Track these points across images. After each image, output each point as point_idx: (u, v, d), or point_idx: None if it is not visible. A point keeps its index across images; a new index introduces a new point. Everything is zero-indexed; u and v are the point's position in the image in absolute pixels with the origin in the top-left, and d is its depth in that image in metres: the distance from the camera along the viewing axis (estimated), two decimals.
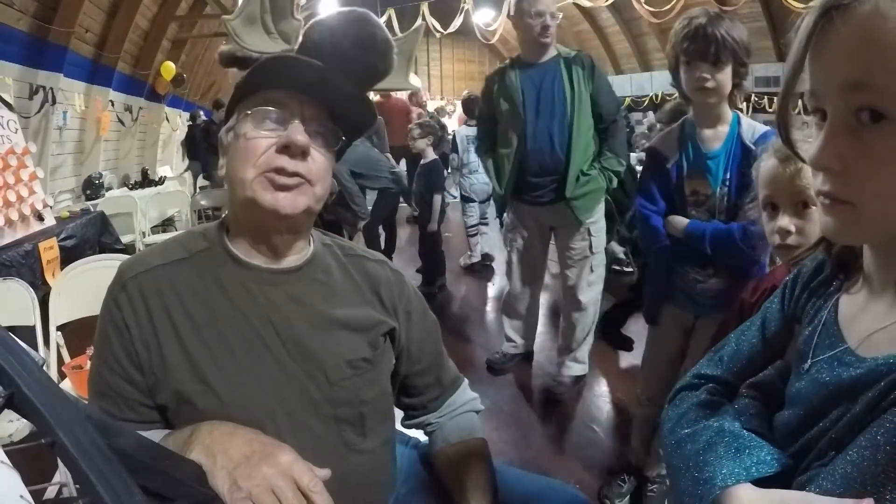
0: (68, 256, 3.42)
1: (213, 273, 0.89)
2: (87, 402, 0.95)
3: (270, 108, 0.86)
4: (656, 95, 12.59)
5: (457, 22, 10.69)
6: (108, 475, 0.40)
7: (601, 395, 2.93)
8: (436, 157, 4.47)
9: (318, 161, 0.88)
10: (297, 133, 0.84)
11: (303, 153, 0.85)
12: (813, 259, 0.73)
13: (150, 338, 0.86)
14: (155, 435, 0.80)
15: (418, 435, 1.20)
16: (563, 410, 2.77)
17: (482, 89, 2.83)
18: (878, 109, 0.50)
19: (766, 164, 1.16)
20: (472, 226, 5.16)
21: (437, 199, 4.38)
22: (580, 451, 2.44)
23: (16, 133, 3.69)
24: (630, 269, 4.80)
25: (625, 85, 13.81)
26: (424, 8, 10.70)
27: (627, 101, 13.42)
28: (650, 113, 11.85)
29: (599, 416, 2.72)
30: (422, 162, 4.46)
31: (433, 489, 1.09)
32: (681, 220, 1.66)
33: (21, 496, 0.35)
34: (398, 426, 1.12)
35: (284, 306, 0.90)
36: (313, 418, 0.89)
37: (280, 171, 0.85)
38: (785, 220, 1.12)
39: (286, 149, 0.85)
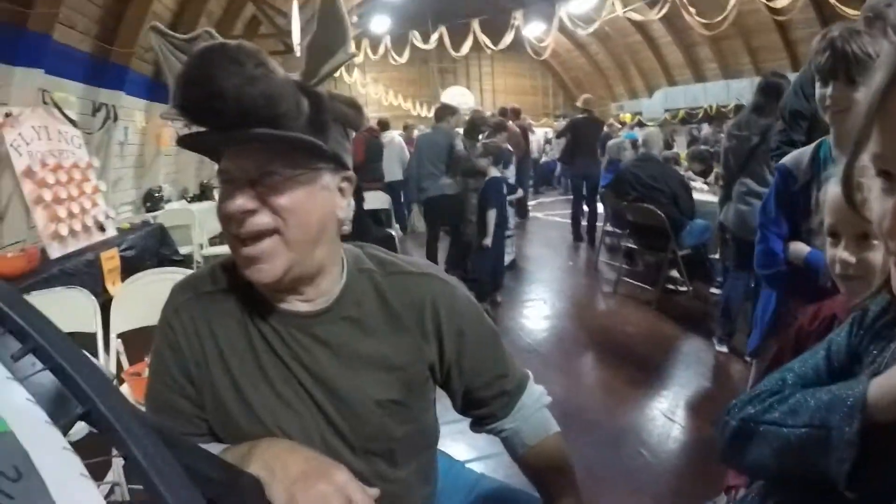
0: (128, 266, 3.55)
1: (249, 307, 0.90)
2: (152, 415, 0.98)
3: (221, 172, 0.82)
4: (710, 107, 12.27)
5: (507, 38, 10.74)
6: (177, 488, 0.40)
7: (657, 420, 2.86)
8: (497, 174, 4.58)
9: (281, 197, 0.79)
10: (231, 203, 0.78)
11: (248, 211, 0.79)
12: (879, 301, 0.72)
13: (200, 359, 0.90)
14: (213, 448, 0.82)
15: (454, 449, 1.19)
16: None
17: (801, 79, 2.48)
18: None
19: (831, 193, 1.10)
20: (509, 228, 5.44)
21: (492, 214, 4.44)
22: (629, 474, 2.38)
23: (79, 148, 3.87)
24: (685, 289, 4.73)
25: (678, 97, 13.54)
26: (475, 25, 10.78)
27: (681, 113, 13.15)
28: (704, 125, 11.55)
29: (650, 440, 2.65)
30: (485, 179, 4.58)
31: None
32: (802, 248, 1.56)
33: (81, 474, 0.36)
34: (446, 443, 1.10)
35: (312, 348, 0.90)
36: (344, 449, 0.91)
37: (241, 240, 0.81)
38: (846, 253, 1.07)
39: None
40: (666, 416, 2.84)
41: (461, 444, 2.39)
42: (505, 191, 5.01)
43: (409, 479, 0.98)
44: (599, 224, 6.56)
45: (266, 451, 0.77)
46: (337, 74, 13.17)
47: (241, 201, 0.78)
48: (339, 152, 0.86)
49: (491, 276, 4.65)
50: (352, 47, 0.80)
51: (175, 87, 0.74)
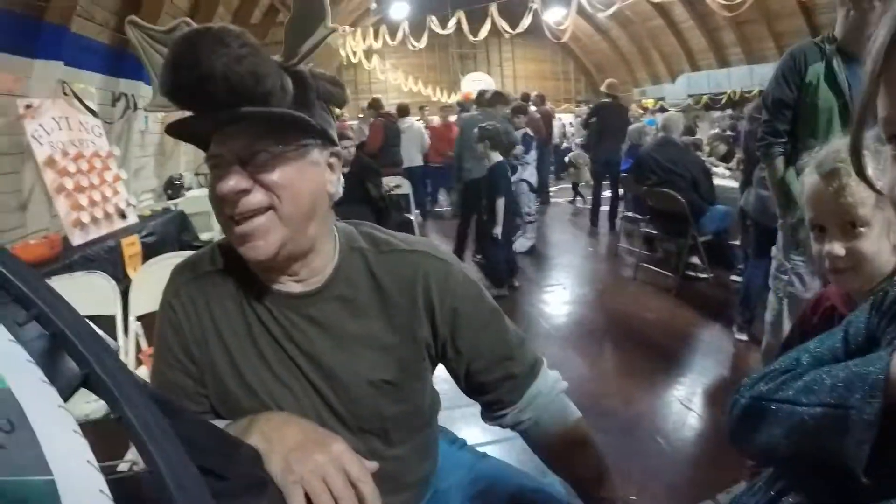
0: (150, 252, 3.59)
1: (245, 288, 0.92)
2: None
3: (211, 156, 0.83)
4: (734, 92, 12.02)
5: (525, 22, 10.63)
6: (168, 450, 0.42)
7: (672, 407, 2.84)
8: (501, 159, 4.49)
9: (273, 173, 0.81)
10: (224, 184, 0.79)
11: (242, 191, 0.80)
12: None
13: (200, 339, 0.92)
14: (216, 424, 0.83)
15: (468, 433, 1.18)
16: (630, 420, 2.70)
17: (783, 68, 2.39)
18: None
19: (808, 182, 1.05)
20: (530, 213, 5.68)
21: (500, 203, 4.38)
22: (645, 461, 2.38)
23: (100, 137, 3.93)
24: (705, 276, 4.67)
25: (701, 82, 13.27)
26: (493, 9, 10.69)
27: (704, 99, 12.90)
28: (728, 111, 11.33)
29: (666, 427, 2.63)
30: (487, 165, 4.51)
31: (475, 484, 1.10)
32: None
33: (88, 461, 0.36)
34: (452, 425, 1.10)
35: (306, 328, 0.91)
36: (340, 427, 0.92)
37: (234, 220, 0.82)
38: (834, 246, 1.01)
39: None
40: (683, 403, 2.82)
41: (474, 428, 2.40)
42: (519, 175, 5.01)
43: (406, 457, 0.98)
44: (621, 210, 6.52)
45: (265, 424, 0.78)
46: (356, 60, 13.27)
47: (234, 181, 0.79)
48: (325, 128, 0.87)
49: (505, 262, 4.63)
50: (330, 21, 0.80)
51: (163, 73, 0.75)
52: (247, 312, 0.92)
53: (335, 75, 0.92)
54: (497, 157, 4.46)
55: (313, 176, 0.86)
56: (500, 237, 4.44)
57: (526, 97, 8.13)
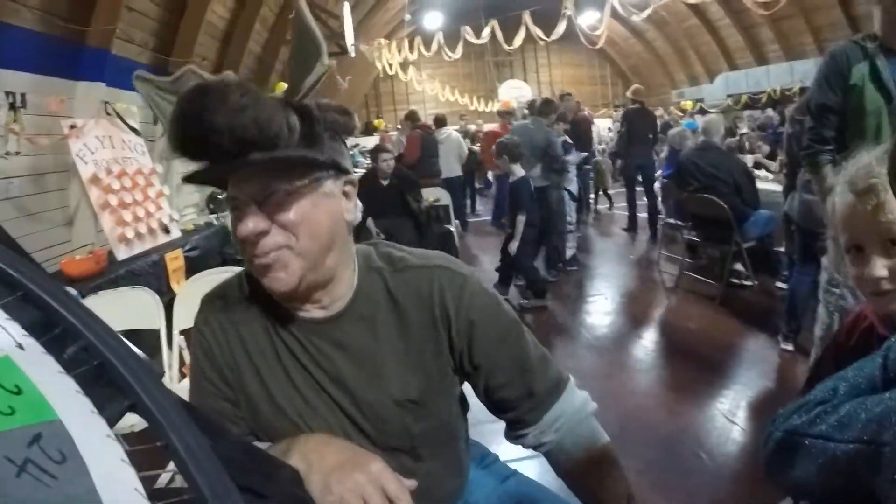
0: (192, 266, 3.69)
1: (272, 315, 0.95)
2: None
3: (231, 202, 0.86)
4: (774, 91, 11.72)
5: (559, 29, 10.59)
6: (211, 476, 0.43)
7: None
8: (523, 174, 4.47)
9: (288, 212, 0.83)
10: (243, 228, 0.82)
11: (261, 232, 0.82)
12: None
13: (232, 364, 0.96)
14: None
15: (501, 449, 1.16)
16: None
17: (825, 71, 2.30)
18: None
19: (841, 202, 0.97)
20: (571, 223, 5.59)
21: (521, 219, 4.35)
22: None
23: (143, 155, 4.05)
24: (749, 284, 4.55)
25: (740, 81, 13.00)
26: (527, 17, 10.68)
27: (744, 98, 12.62)
28: (769, 110, 11.04)
29: (708, 442, 2.56)
30: (510, 180, 4.52)
31: (502, 501, 1.09)
32: None
33: (135, 489, 0.38)
34: (484, 440, 1.10)
35: (330, 352, 0.93)
36: (368, 445, 0.93)
37: (256, 256, 0.84)
38: (877, 267, 0.93)
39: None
40: (726, 416, 2.75)
41: (506, 444, 2.38)
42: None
43: (435, 472, 0.99)
44: (661, 216, 6.41)
45: (304, 445, 0.81)
46: (392, 72, 13.41)
47: (252, 224, 0.82)
48: (336, 159, 0.88)
49: (534, 275, 4.61)
50: (326, 59, 0.82)
51: (171, 130, 0.79)
52: (274, 338, 0.95)
53: (342, 105, 0.94)
54: (520, 171, 4.44)
55: (328, 207, 0.87)
56: (513, 253, 4.41)
57: (562, 97, 7.96)
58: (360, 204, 0.94)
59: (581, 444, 1.01)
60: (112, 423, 0.43)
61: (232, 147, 0.76)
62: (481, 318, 0.95)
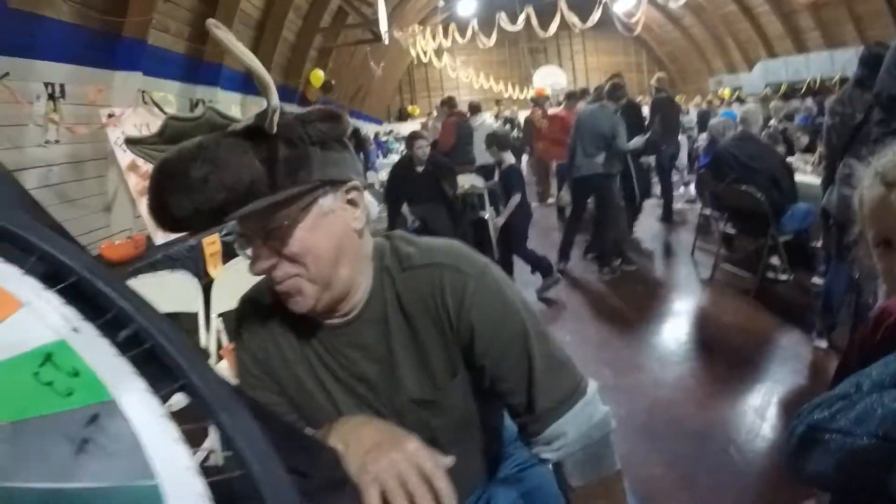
0: (229, 250, 3.76)
1: (299, 320, 0.97)
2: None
3: (239, 238, 0.88)
4: (815, 80, 11.36)
5: (595, 16, 10.42)
6: (260, 453, 0.44)
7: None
8: (513, 161, 4.70)
9: (291, 245, 0.84)
10: (254, 267, 0.86)
11: (271, 267, 0.85)
12: None
13: (271, 363, 1.01)
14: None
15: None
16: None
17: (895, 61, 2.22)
18: None
19: (870, 195, 0.92)
20: None
21: (516, 197, 4.57)
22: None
23: None
24: (785, 278, 4.47)
25: (779, 70, 12.64)
26: (562, 3, 10.53)
27: (783, 87, 12.27)
28: (808, 100, 10.72)
29: (738, 438, 2.53)
30: (501, 167, 4.73)
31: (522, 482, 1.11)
32: None
33: (189, 467, 0.39)
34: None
35: (349, 352, 0.98)
36: None
37: (274, 283, 0.88)
38: None
39: None
40: (757, 413, 2.71)
41: None
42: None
43: (459, 458, 0.96)
44: (696, 206, 6.32)
45: (342, 426, 0.83)
46: (426, 60, 13.34)
47: (262, 264, 0.85)
48: (328, 173, 0.84)
49: (532, 256, 4.64)
50: (275, 99, 0.74)
51: (148, 212, 0.82)
52: (302, 341, 1.00)
53: (329, 109, 0.87)
54: (510, 158, 4.65)
55: (329, 227, 0.86)
56: (498, 226, 4.77)
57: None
58: (373, 201, 0.97)
59: (582, 470, 0.97)
60: (164, 401, 0.46)
61: (207, 218, 0.77)
62: (482, 322, 0.92)
